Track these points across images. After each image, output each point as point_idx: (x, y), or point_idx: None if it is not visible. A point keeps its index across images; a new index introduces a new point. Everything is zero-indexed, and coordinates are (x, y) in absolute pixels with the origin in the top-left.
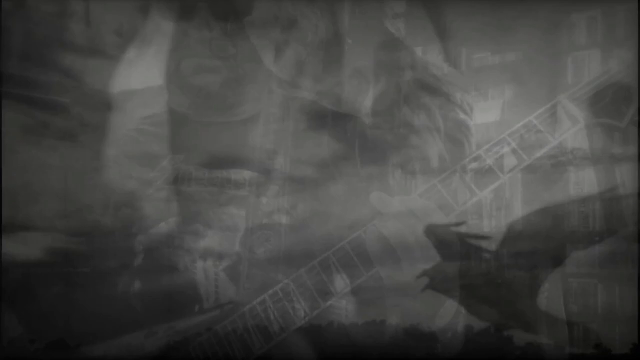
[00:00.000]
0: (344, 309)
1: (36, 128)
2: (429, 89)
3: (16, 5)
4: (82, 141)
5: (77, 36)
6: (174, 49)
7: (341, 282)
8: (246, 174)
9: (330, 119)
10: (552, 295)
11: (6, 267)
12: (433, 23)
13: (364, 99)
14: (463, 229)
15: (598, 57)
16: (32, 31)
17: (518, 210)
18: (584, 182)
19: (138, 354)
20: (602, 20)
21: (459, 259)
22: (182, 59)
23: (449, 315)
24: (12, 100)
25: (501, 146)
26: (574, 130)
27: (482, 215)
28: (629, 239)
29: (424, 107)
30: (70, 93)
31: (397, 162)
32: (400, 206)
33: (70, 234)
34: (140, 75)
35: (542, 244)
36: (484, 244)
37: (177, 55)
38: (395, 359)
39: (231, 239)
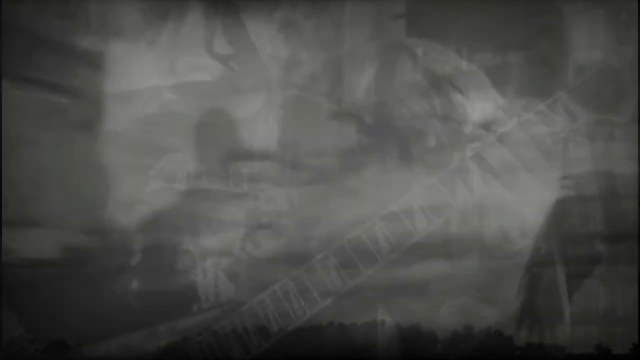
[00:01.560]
0: (343, 308)
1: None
2: (430, 88)
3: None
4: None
5: (78, 37)
6: (175, 48)
7: (340, 281)
8: (245, 172)
9: (331, 117)
10: (552, 295)
11: (8, 265)
12: (434, 23)
13: (365, 97)
14: (464, 229)
15: (599, 57)
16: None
17: (518, 210)
18: (585, 182)
19: (138, 353)
20: (603, 21)
21: (459, 258)
22: (183, 58)
23: (449, 315)
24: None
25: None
26: (573, 125)
27: (483, 215)
28: (629, 239)
29: (424, 106)
30: (71, 93)
31: (397, 160)
32: (400, 205)
33: (77, 231)
34: (141, 74)
35: (543, 244)
36: (485, 244)
37: (178, 54)
38: (396, 358)
39: (231, 238)
